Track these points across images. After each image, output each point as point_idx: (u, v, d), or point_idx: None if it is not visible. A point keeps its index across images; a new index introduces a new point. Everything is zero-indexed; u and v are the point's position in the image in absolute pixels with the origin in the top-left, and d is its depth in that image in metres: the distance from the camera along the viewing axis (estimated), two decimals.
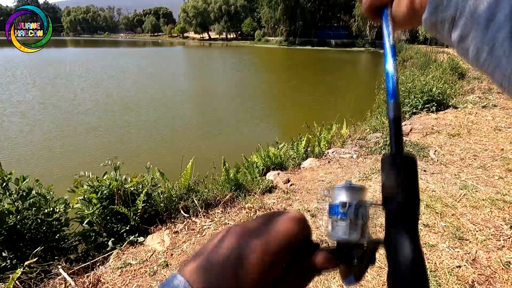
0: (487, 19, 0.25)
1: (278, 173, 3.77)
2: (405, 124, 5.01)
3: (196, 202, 2.91)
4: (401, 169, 0.29)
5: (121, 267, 2.22)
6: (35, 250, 2.13)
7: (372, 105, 6.61)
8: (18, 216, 2.17)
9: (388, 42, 0.34)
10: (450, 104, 5.92)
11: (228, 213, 2.90)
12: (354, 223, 0.32)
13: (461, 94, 7.12)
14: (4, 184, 2.23)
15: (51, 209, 2.38)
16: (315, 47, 50.16)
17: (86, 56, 32.46)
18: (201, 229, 2.66)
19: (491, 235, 2.20)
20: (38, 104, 10.44)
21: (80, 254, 2.54)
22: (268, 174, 3.84)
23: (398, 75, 0.34)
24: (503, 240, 2.15)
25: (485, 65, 0.27)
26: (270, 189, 3.34)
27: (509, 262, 1.93)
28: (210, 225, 2.71)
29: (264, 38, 62.25)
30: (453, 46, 0.30)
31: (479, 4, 0.25)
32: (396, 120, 0.31)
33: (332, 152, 4.37)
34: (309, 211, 2.74)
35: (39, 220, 2.30)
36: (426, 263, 0.31)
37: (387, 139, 4.14)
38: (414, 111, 5.83)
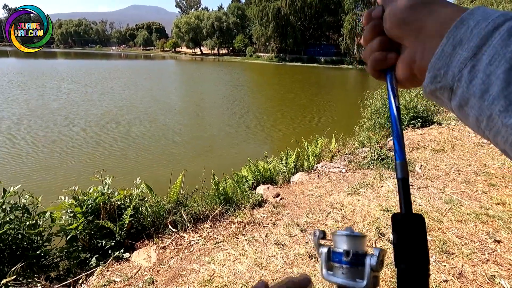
0: (482, 91, 0.26)
1: (268, 187, 3.77)
2: (392, 139, 5.13)
3: (184, 216, 2.86)
4: (410, 229, 0.30)
5: (104, 285, 2.14)
6: (14, 267, 2.04)
7: (359, 121, 6.76)
8: None
9: (394, 103, 0.35)
10: (435, 120, 6.12)
11: (217, 227, 2.86)
12: (358, 271, 0.33)
13: (445, 111, 7.37)
14: None
15: (34, 221, 2.30)
16: (305, 64, 51.42)
17: (76, 69, 32.22)
18: (189, 245, 2.61)
19: (476, 249, 2.24)
20: (25, 118, 10.23)
21: (61, 271, 2.44)
22: (258, 188, 3.83)
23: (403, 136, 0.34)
24: (487, 253, 2.19)
25: (486, 132, 0.27)
26: (260, 203, 3.33)
27: (494, 276, 1.96)
28: (198, 240, 2.66)
29: (255, 54, 63.43)
30: (453, 112, 0.31)
31: (474, 78, 0.26)
32: (404, 180, 0.32)
33: (322, 167, 4.41)
34: (298, 225, 2.74)
35: (20, 235, 2.22)
36: None
37: (375, 153, 4.23)
38: None
